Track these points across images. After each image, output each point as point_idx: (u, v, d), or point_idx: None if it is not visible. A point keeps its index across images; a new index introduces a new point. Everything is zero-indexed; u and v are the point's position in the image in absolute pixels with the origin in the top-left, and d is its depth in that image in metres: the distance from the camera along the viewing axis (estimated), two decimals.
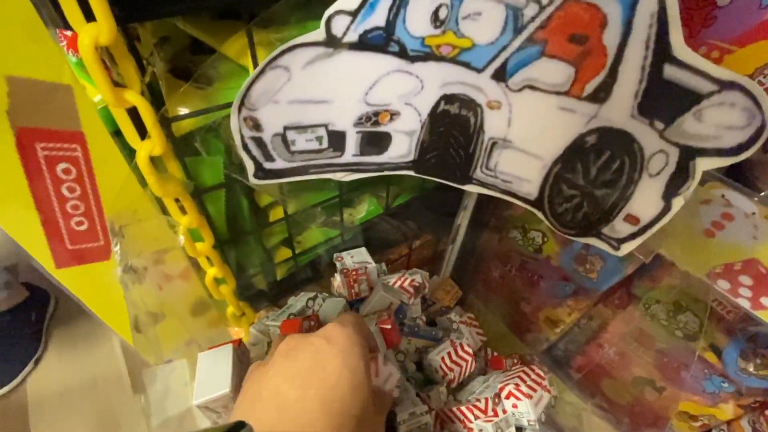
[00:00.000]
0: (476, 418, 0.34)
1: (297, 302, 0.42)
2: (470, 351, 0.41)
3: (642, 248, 0.41)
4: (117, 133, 0.26)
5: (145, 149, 0.24)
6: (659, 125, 0.24)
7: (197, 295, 0.36)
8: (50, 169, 0.23)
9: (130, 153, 0.28)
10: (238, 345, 0.34)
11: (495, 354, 0.46)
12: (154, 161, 0.25)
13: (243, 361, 0.34)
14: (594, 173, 0.28)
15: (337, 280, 0.47)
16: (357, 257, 0.45)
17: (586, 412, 0.42)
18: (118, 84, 0.21)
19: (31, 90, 0.21)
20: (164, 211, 0.27)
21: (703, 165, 0.23)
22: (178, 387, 0.30)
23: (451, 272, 0.66)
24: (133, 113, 0.23)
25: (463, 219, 0.59)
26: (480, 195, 0.57)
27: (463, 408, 0.35)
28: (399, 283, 0.45)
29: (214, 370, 0.30)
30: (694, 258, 0.35)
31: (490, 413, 0.34)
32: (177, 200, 0.28)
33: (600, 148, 0.27)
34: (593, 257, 0.48)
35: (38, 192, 0.23)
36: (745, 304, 0.34)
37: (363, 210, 0.49)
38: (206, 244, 0.32)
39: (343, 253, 0.45)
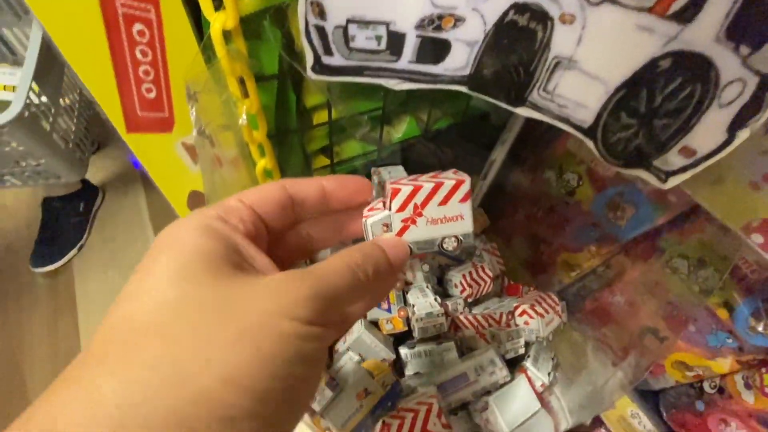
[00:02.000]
0: (490, 326, 0.36)
1: None
2: (490, 274, 0.44)
3: (681, 195, 0.41)
4: (188, 3, 0.26)
5: (219, 21, 0.24)
6: (745, 50, 0.23)
7: (245, 185, 0.38)
8: (127, 27, 0.24)
9: (196, 26, 0.28)
10: None
11: (512, 282, 0.48)
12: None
13: None
14: (659, 101, 0.27)
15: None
16: (394, 173, 0.46)
17: (587, 343, 0.45)
18: None
19: None
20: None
21: None
22: None
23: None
24: None
25: (499, 154, 0.59)
26: (521, 131, 0.57)
27: (478, 316, 0.37)
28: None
29: None
30: (733, 208, 0.35)
31: (504, 325, 0.36)
32: (241, 82, 0.29)
33: (672, 74, 0.26)
34: (626, 204, 0.48)
35: (115, 49, 0.24)
36: None
37: (401, 129, 0.49)
38: (261, 132, 0.33)
39: (381, 168, 0.46)
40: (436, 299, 0.38)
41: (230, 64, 0.26)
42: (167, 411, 0.11)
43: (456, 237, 0.24)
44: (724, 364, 0.48)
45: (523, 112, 0.36)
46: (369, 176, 0.47)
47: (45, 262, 1.04)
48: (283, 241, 0.22)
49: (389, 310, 0.38)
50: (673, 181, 0.28)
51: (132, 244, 1.09)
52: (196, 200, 0.34)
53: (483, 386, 0.34)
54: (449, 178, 0.24)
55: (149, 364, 0.12)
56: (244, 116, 0.28)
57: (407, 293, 0.39)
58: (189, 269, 0.14)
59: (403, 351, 0.37)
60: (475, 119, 0.54)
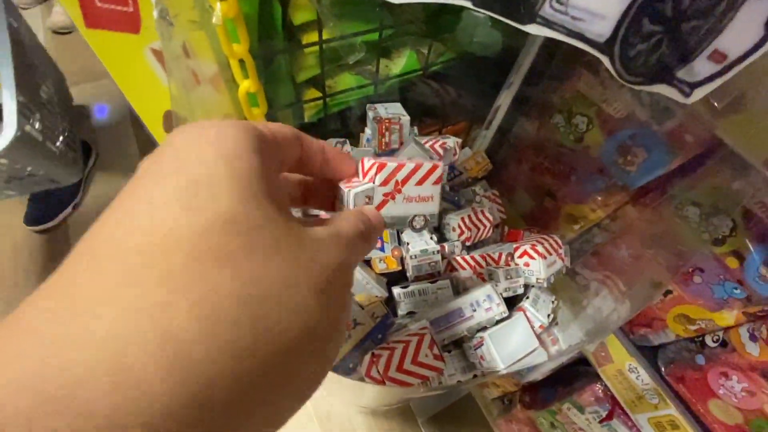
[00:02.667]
0: (488, 265, 0.34)
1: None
2: (490, 218, 0.41)
3: (698, 134, 0.38)
4: None
5: None
6: None
7: (227, 111, 0.36)
8: None
9: None
10: None
11: (512, 229, 0.46)
12: None
13: None
14: (688, 1, 0.24)
15: (366, 133, 0.46)
16: (391, 109, 0.43)
17: (590, 284, 0.43)
18: None
19: None
20: None
21: None
22: None
23: None
24: None
25: (505, 100, 0.56)
26: (528, 73, 0.53)
27: (476, 256, 0.35)
28: (430, 143, 0.43)
29: None
30: (757, 140, 0.32)
31: (503, 264, 0.34)
32: None
33: None
34: (638, 148, 0.45)
35: None
36: None
37: (401, 64, 0.46)
38: (242, 45, 0.30)
39: (377, 104, 0.43)
40: (432, 237, 0.36)
41: None
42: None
43: (424, 216, 0.25)
44: (729, 316, 0.47)
45: (533, 30, 0.33)
46: (364, 113, 0.44)
47: (39, 221, 1.03)
48: None
49: (382, 249, 0.36)
50: (699, 94, 0.25)
51: None
52: (172, 122, 0.31)
53: (478, 322, 0.32)
54: (426, 161, 0.25)
55: (225, 300, 0.10)
56: (218, 14, 0.24)
57: (401, 232, 0.37)
58: (253, 192, 0.13)
59: (396, 290, 0.35)
60: (480, 59, 0.51)
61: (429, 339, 0.28)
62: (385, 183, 0.23)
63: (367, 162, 0.23)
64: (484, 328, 0.33)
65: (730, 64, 0.23)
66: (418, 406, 0.87)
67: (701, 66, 0.25)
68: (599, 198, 0.52)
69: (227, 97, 0.34)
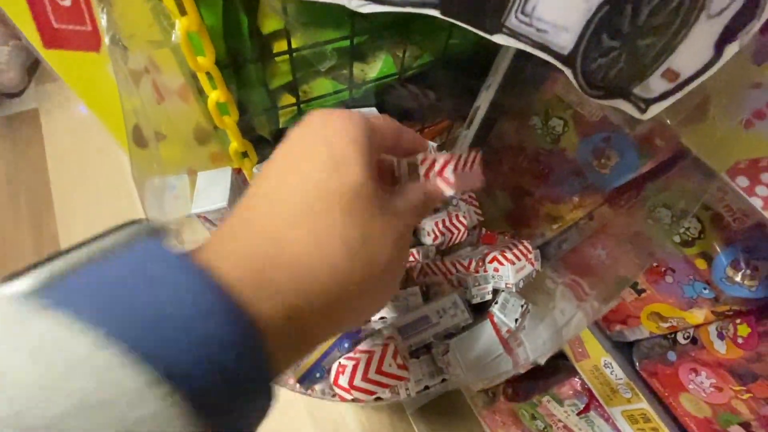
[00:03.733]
0: (457, 271, 0.35)
1: None
2: (464, 222, 0.42)
3: (667, 139, 0.39)
4: None
5: None
6: None
7: (198, 122, 0.36)
8: None
9: None
10: (238, 173, 0.34)
11: (488, 231, 0.46)
12: None
13: (240, 188, 0.34)
14: (644, 17, 0.24)
15: None
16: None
17: (557, 288, 0.44)
18: None
19: None
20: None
21: None
22: (177, 197, 0.30)
23: None
24: None
25: (484, 101, 0.56)
26: (507, 74, 0.53)
27: (447, 262, 0.36)
28: None
29: (212, 187, 0.31)
30: (721, 149, 0.33)
31: (472, 271, 0.35)
32: None
33: None
34: (611, 151, 0.45)
35: None
36: (758, 203, 0.33)
37: (377, 68, 0.45)
38: (208, 59, 0.30)
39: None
40: None
41: None
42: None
43: None
44: (699, 314, 0.48)
45: (500, 40, 0.33)
46: None
47: None
48: None
49: None
50: (653, 110, 0.26)
51: None
52: (141, 133, 0.31)
53: (445, 328, 0.33)
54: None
55: (346, 236, 0.17)
56: (177, 32, 0.24)
57: None
58: (369, 169, 0.18)
59: None
60: (458, 60, 0.50)
61: (393, 349, 0.29)
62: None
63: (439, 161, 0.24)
64: (450, 335, 0.34)
65: (682, 83, 0.24)
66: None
67: (656, 83, 0.25)
68: (576, 198, 0.53)
69: (196, 107, 0.34)
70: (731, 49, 0.21)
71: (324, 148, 0.18)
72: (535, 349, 0.35)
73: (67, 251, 0.12)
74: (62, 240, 0.95)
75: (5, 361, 0.09)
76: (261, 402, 0.14)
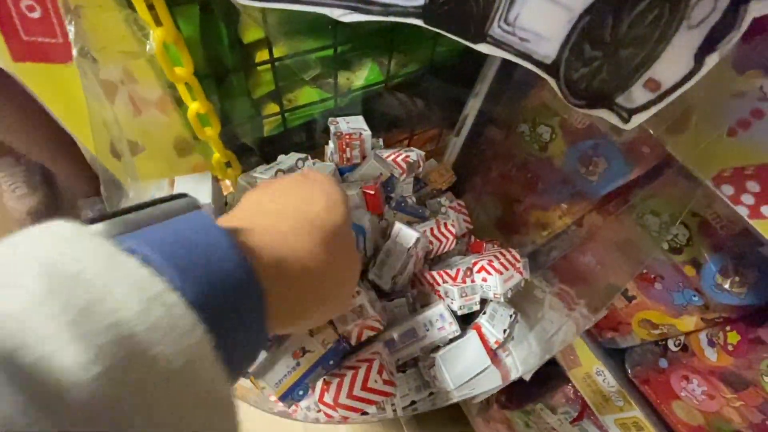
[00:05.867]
0: (444, 282, 0.34)
1: (287, 160, 0.41)
2: (453, 231, 0.41)
3: (654, 147, 0.38)
4: None
5: None
6: None
7: (178, 133, 0.35)
8: None
9: None
10: (216, 180, 0.34)
11: (476, 240, 0.46)
12: None
13: (219, 196, 0.34)
14: (625, 28, 0.24)
15: (330, 147, 0.45)
16: (353, 123, 0.42)
17: (546, 297, 0.43)
18: None
19: None
20: (131, 8, 0.24)
21: (755, 11, 0.19)
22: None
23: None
24: None
25: (472, 109, 0.55)
26: (495, 82, 0.53)
27: (434, 273, 0.35)
28: (393, 157, 0.43)
29: (194, 189, 0.30)
30: (706, 157, 0.33)
31: (460, 281, 0.35)
32: (150, 8, 0.25)
33: None
34: (598, 158, 0.45)
35: None
36: (743, 212, 0.33)
37: (363, 76, 0.45)
38: (186, 69, 0.29)
39: (339, 118, 0.43)
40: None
41: None
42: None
43: None
44: (689, 322, 0.48)
45: (483, 48, 0.33)
46: (327, 126, 0.44)
47: None
48: None
49: None
50: (636, 120, 0.25)
51: None
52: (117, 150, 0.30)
53: (432, 341, 0.33)
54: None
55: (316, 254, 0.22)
56: (152, 43, 0.24)
57: None
58: (348, 215, 0.26)
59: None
60: (445, 68, 0.50)
61: (378, 364, 0.28)
62: None
63: None
64: (437, 348, 0.33)
65: (664, 93, 0.24)
66: None
67: (638, 93, 0.25)
68: (564, 205, 0.53)
69: (176, 119, 0.33)
70: (712, 60, 0.21)
71: (326, 194, 0.25)
72: (524, 360, 0.35)
73: (135, 208, 0.17)
74: None
75: (107, 293, 0.12)
76: (256, 329, 0.17)
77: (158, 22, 0.26)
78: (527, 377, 0.35)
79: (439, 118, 0.58)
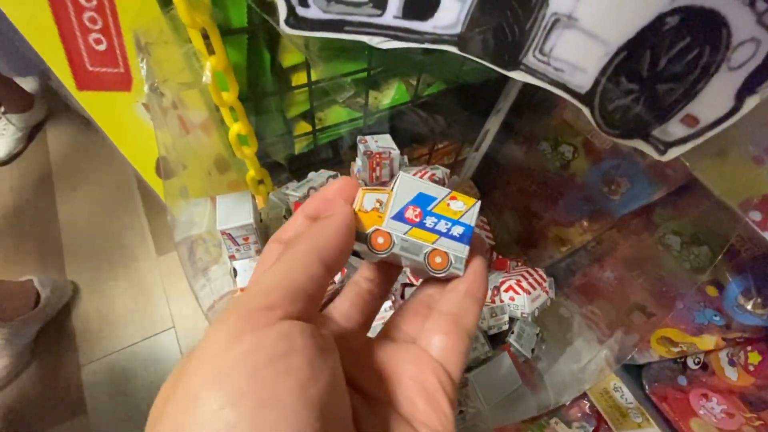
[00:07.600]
0: None
1: (318, 177, 0.42)
2: None
3: (678, 170, 0.39)
4: None
5: None
6: (761, 6, 0.20)
7: (218, 152, 0.36)
8: None
9: None
10: (253, 198, 0.35)
11: (500, 257, 0.47)
12: None
13: (256, 213, 0.35)
14: (663, 64, 0.25)
15: (357, 164, 0.46)
16: (381, 142, 0.43)
17: (574, 319, 0.44)
18: None
19: None
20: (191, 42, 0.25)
21: None
22: (199, 217, 0.31)
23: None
24: None
25: (493, 124, 0.56)
26: (516, 100, 0.54)
27: None
28: (419, 175, 0.44)
29: (234, 207, 0.32)
30: (733, 184, 0.34)
31: (488, 300, 0.35)
32: (205, 37, 0.26)
33: (679, 33, 0.23)
34: (621, 178, 0.46)
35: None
36: None
37: (390, 95, 0.46)
38: (231, 94, 0.30)
39: (368, 137, 0.44)
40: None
41: (189, 13, 0.23)
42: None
43: None
44: (710, 341, 0.48)
45: (517, 76, 0.34)
46: (355, 142, 0.45)
47: None
48: None
49: None
50: (673, 153, 0.26)
51: None
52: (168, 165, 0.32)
53: None
54: None
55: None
56: (208, 74, 0.25)
57: None
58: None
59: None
60: (468, 86, 0.51)
61: None
62: None
63: None
64: (469, 368, 0.34)
65: (702, 129, 0.24)
66: None
67: (675, 127, 0.26)
68: (585, 223, 0.53)
69: (218, 140, 0.35)
70: (752, 101, 0.22)
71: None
72: (555, 387, 0.35)
73: None
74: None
75: None
76: None
77: (211, 51, 0.27)
78: (567, 400, 0.35)
79: (460, 134, 0.59)
